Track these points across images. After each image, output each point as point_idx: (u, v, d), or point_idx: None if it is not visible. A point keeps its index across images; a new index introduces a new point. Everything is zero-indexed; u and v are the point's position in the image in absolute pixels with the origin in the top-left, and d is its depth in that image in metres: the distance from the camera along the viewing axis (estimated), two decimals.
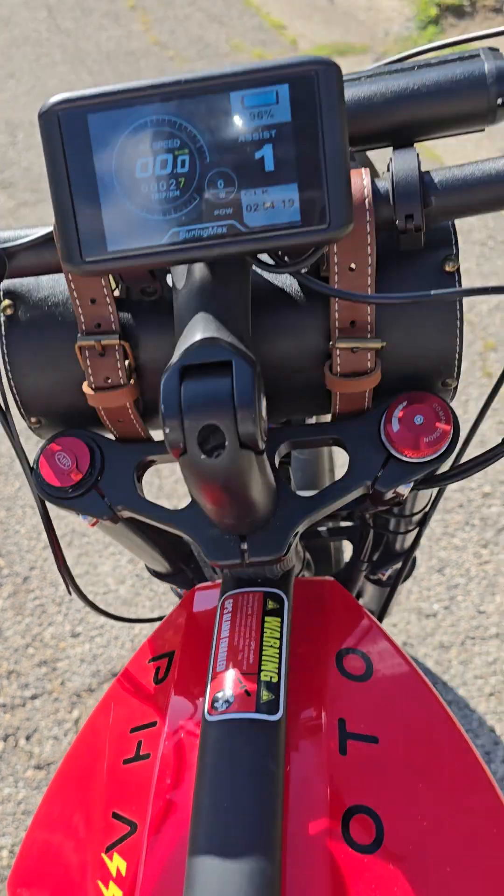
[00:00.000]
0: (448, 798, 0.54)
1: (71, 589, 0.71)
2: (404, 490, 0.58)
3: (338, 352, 0.55)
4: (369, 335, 0.55)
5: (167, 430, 0.47)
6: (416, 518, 0.82)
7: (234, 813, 0.49)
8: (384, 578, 0.90)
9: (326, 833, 0.50)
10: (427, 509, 0.81)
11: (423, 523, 0.75)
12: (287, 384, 0.59)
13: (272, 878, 0.47)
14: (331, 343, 0.56)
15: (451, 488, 2.08)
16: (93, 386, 0.58)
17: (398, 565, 0.90)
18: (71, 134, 0.45)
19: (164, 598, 1.92)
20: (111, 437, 0.63)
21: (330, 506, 0.58)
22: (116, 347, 0.57)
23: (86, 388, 0.58)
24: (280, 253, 0.51)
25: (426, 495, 0.80)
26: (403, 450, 0.56)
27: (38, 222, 2.89)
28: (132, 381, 0.58)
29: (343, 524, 0.92)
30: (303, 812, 0.52)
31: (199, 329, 0.48)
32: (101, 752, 0.62)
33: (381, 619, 0.79)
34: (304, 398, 0.61)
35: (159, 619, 0.96)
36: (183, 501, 2.04)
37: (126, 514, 0.61)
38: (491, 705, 1.69)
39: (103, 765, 0.61)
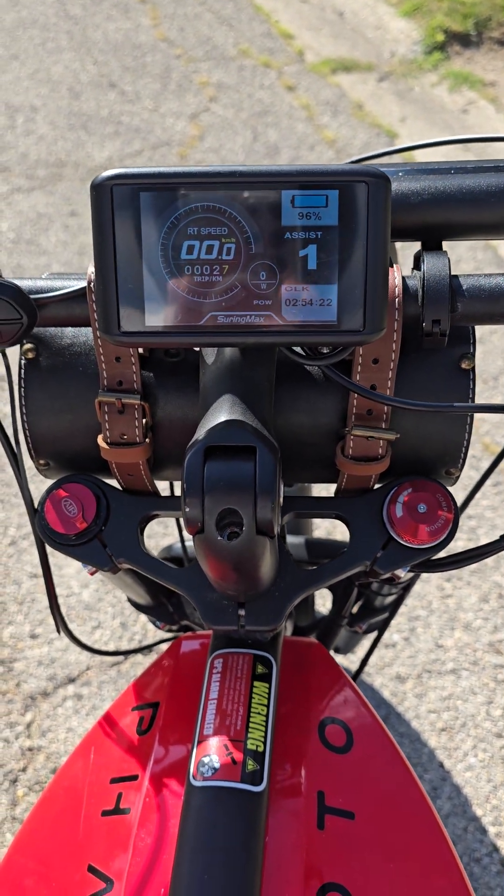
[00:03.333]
0: (417, 881, 0.56)
1: (61, 630, 0.71)
2: (401, 573, 0.59)
3: (352, 438, 0.56)
4: (384, 425, 0.56)
5: (187, 508, 0.48)
6: (402, 584, 0.84)
7: (214, 888, 0.50)
8: (360, 631, 0.92)
9: None
10: (413, 577, 0.83)
11: (407, 588, 0.77)
12: (296, 455, 0.60)
13: None
14: (346, 428, 0.57)
15: None
16: (108, 440, 0.59)
17: (377, 618, 0.91)
18: (122, 209, 0.46)
19: (126, 606, 1.92)
20: (117, 486, 0.63)
21: (328, 581, 0.59)
22: (136, 407, 0.57)
23: (101, 441, 0.59)
24: None
25: None
26: (405, 534, 0.58)
27: (29, 210, 2.87)
28: (147, 439, 0.59)
29: None
30: (279, 887, 0.53)
31: (225, 410, 0.49)
32: (79, 799, 0.63)
33: (357, 675, 0.80)
34: (310, 469, 0.62)
35: (142, 649, 0.97)
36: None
37: (126, 566, 0.61)
38: (442, 740, 1.72)
39: (80, 812, 0.62)
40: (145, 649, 0.98)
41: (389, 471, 0.60)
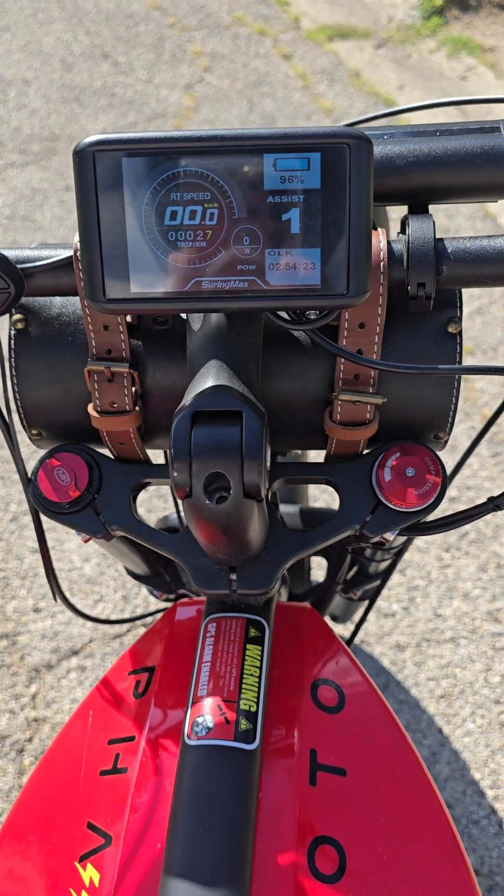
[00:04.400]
0: (407, 833, 0.57)
1: (57, 597, 0.72)
2: (390, 536, 0.60)
3: (339, 402, 0.57)
4: (371, 389, 0.57)
5: (175, 473, 0.48)
6: (395, 549, 0.85)
7: (208, 841, 0.51)
8: (355, 598, 0.93)
9: (293, 862, 0.53)
10: (405, 542, 0.84)
11: (400, 553, 0.78)
12: (285, 422, 0.61)
13: None
14: (333, 393, 0.57)
15: None
16: (98, 409, 0.59)
17: (370, 585, 0.93)
18: (105, 174, 0.46)
19: (128, 579, 1.94)
20: (110, 455, 0.64)
21: (318, 545, 0.60)
22: (125, 375, 0.58)
23: (91, 410, 0.60)
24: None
25: None
26: (393, 498, 0.58)
27: (23, 185, 2.85)
28: (137, 407, 0.59)
29: None
30: (272, 841, 0.54)
31: (211, 376, 0.50)
32: (78, 760, 0.64)
33: (352, 639, 0.81)
34: (299, 436, 0.62)
35: (139, 617, 0.98)
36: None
37: (119, 533, 0.62)
38: (441, 707, 1.75)
39: (80, 772, 0.63)
40: (141, 618, 0.99)
41: (378, 436, 0.61)
